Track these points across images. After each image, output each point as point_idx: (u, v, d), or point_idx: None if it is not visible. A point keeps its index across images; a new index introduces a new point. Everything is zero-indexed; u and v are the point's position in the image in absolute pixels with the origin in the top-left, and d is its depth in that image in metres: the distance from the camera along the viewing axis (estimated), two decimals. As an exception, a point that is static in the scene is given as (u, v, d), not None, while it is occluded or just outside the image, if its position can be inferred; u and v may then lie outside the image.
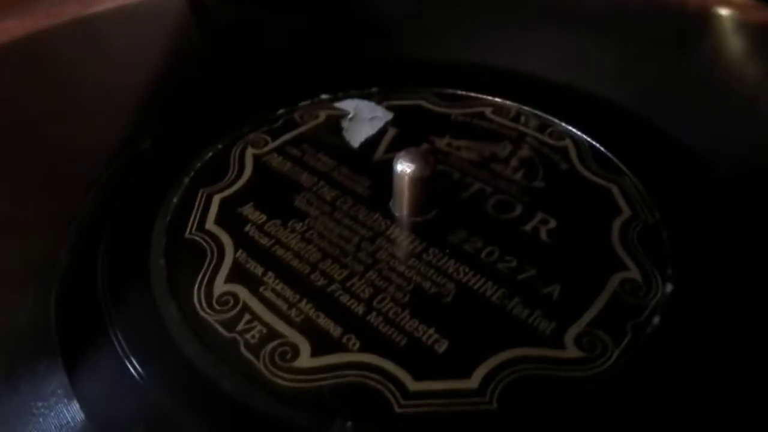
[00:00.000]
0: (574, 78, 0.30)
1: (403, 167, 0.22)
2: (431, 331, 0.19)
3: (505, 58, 0.32)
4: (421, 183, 0.22)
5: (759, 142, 0.26)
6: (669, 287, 0.20)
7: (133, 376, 0.18)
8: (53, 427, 0.18)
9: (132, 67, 0.32)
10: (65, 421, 0.18)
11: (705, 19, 0.34)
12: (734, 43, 0.34)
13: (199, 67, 0.34)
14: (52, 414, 0.18)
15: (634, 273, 0.21)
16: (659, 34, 0.31)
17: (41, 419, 0.18)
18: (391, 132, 0.27)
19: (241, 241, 0.22)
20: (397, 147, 0.26)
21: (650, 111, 0.28)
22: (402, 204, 0.23)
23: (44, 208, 0.25)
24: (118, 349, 0.19)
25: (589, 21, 0.32)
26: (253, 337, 0.19)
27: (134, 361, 0.19)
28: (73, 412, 0.18)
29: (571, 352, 0.19)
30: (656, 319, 0.19)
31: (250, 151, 0.26)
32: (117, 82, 0.31)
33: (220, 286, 0.21)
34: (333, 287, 0.21)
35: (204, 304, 0.20)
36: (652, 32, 0.31)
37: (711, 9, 0.34)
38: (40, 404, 0.18)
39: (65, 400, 0.18)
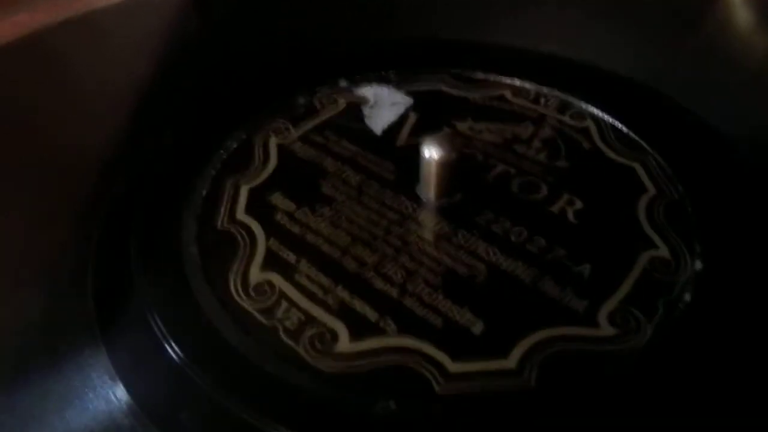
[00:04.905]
0: (593, 57, 0.30)
1: (431, 152, 0.22)
2: (466, 311, 0.19)
3: (522, 38, 0.32)
4: (448, 167, 0.22)
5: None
6: (698, 264, 0.21)
7: (174, 360, 0.19)
8: (103, 410, 0.18)
9: (139, 60, 0.32)
10: (114, 405, 0.18)
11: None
12: (753, 17, 0.34)
13: (211, 57, 0.33)
14: (101, 398, 0.18)
15: (663, 251, 0.21)
16: (678, 10, 0.31)
17: (90, 405, 0.18)
18: (413, 117, 0.28)
19: (273, 229, 0.22)
20: (419, 131, 0.26)
21: (670, 88, 0.28)
22: (429, 188, 0.23)
23: (55, 200, 0.25)
24: (158, 334, 0.20)
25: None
26: (292, 323, 0.19)
27: (175, 347, 0.19)
28: (120, 395, 0.18)
29: (605, 329, 0.19)
30: (687, 296, 0.20)
31: (273, 140, 0.27)
32: (127, 74, 0.31)
33: (255, 275, 0.21)
34: (366, 271, 0.21)
35: (241, 293, 0.20)
36: (671, 8, 0.31)
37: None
38: (87, 390, 0.19)
39: (111, 384, 0.19)
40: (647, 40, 0.31)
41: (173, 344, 0.19)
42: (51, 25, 0.34)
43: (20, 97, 0.30)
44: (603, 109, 0.27)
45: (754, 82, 0.29)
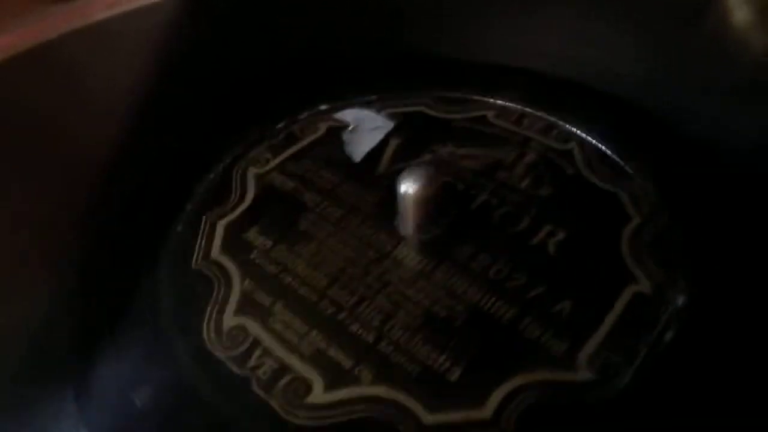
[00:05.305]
0: (579, 73, 0.29)
1: (407, 188, 0.22)
2: (443, 358, 0.19)
3: (506, 55, 0.31)
4: (425, 202, 0.22)
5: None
6: (681, 300, 0.20)
7: (141, 411, 0.19)
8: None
9: (115, 89, 0.32)
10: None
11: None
12: (746, 27, 0.33)
13: (190, 82, 0.33)
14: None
15: (645, 286, 0.21)
16: (663, 25, 0.31)
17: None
18: (394, 142, 0.27)
19: (248, 269, 0.22)
20: (400, 157, 0.26)
21: (657, 105, 0.28)
22: (408, 223, 0.22)
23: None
24: (127, 384, 0.19)
25: (592, 16, 0.31)
26: (264, 373, 0.19)
27: (144, 399, 0.19)
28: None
29: (584, 374, 0.18)
30: (669, 335, 0.19)
31: (252, 171, 0.26)
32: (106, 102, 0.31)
33: (229, 319, 0.21)
34: (342, 315, 0.21)
35: (214, 339, 0.20)
36: (656, 24, 0.31)
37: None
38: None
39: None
40: (635, 54, 0.30)
41: (143, 398, 0.19)
42: (52, 39, 0.34)
43: (22, 107, 0.30)
44: (587, 131, 0.27)
45: (748, 95, 0.29)
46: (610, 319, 0.20)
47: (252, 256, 0.23)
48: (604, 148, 0.26)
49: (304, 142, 0.27)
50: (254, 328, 0.20)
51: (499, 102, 0.28)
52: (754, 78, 0.29)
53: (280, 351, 0.20)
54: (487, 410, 0.18)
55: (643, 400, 0.18)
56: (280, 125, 0.28)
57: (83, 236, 0.25)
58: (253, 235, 0.23)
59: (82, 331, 0.22)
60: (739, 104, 0.28)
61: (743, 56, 0.30)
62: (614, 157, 0.25)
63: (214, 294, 0.21)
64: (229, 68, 0.32)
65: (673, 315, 0.20)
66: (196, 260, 0.23)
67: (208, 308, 0.21)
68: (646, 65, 0.29)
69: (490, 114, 0.28)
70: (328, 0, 0.34)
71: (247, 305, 0.21)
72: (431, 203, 0.22)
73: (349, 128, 0.28)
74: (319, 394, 0.18)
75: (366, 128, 0.28)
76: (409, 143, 0.27)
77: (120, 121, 0.30)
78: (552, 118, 0.27)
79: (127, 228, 0.25)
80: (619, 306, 0.20)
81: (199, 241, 0.23)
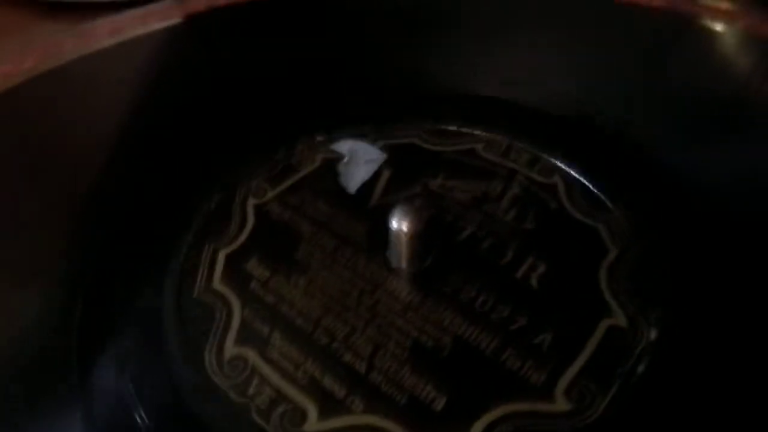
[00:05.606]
0: (563, 107, 0.31)
1: (398, 224, 0.23)
2: (429, 388, 0.20)
3: (493, 87, 0.32)
4: (415, 238, 0.23)
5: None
6: (654, 333, 0.21)
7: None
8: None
9: (110, 117, 0.33)
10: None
11: (690, 37, 0.34)
12: (726, 60, 0.34)
13: (189, 109, 0.34)
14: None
15: (621, 319, 0.22)
16: (649, 54, 0.32)
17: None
18: (386, 173, 0.28)
19: (247, 299, 0.23)
20: (392, 189, 0.27)
21: (637, 139, 0.29)
22: (398, 257, 0.24)
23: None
24: (132, 408, 0.21)
25: (576, 50, 0.33)
26: (263, 401, 0.20)
27: (149, 425, 0.20)
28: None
29: (561, 404, 0.20)
30: (641, 368, 0.21)
31: (251, 201, 0.27)
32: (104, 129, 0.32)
33: (230, 349, 0.22)
34: (336, 345, 0.22)
35: (216, 368, 0.21)
36: (643, 50, 0.32)
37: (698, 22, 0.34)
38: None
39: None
40: (620, 85, 0.32)
41: (147, 424, 0.20)
42: (36, 75, 0.35)
43: (24, 135, 0.31)
44: (570, 165, 0.28)
45: (726, 131, 0.30)
46: (586, 352, 0.21)
47: (251, 287, 0.24)
48: (585, 182, 0.27)
49: (301, 174, 0.29)
50: (253, 357, 0.22)
51: (487, 135, 0.30)
52: (732, 113, 0.30)
53: (276, 380, 0.21)
54: (469, 439, 0.19)
55: (616, 429, 0.19)
56: (278, 156, 0.29)
57: (83, 265, 0.26)
58: (252, 265, 0.25)
59: (83, 357, 0.23)
60: (717, 140, 0.29)
61: (722, 91, 0.32)
62: (595, 191, 0.27)
63: (216, 323, 0.23)
64: (227, 96, 0.33)
65: (646, 347, 0.21)
66: (199, 289, 0.24)
67: (210, 337, 0.22)
68: (626, 99, 0.31)
69: (478, 146, 0.29)
70: (321, 32, 0.35)
71: (246, 335, 0.22)
72: (421, 238, 0.23)
73: (344, 160, 0.29)
74: (313, 422, 0.20)
75: (360, 160, 0.29)
76: (400, 175, 0.28)
77: (120, 149, 0.31)
78: (537, 151, 0.29)
79: (129, 256, 0.26)
80: (595, 339, 0.22)
81: (201, 270, 0.25)
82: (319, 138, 0.30)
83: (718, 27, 0.34)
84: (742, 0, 0.34)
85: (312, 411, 0.20)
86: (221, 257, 0.25)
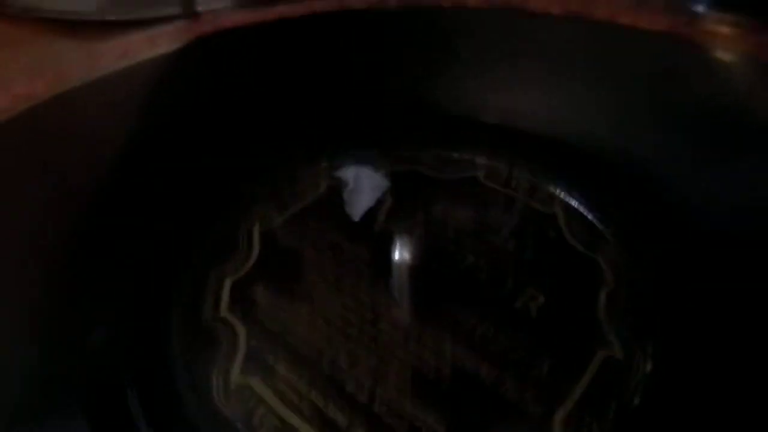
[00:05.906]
0: (564, 137, 0.31)
1: (400, 257, 0.23)
2: (429, 418, 0.21)
3: (497, 114, 0.33)
4: (417, 270, 0.24)
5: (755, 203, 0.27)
6: (649, 365, 0.22)
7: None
8: None
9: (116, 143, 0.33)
10: None
11: (691, 61, 0.35)
12: (726, 84, 0.34)
13: (198, 129, 0.34)
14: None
15: (617, 351, 0.23)
16: (655, 84, 0.32)
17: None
18: (389, 200, 0.29)
19: (253, 328, 0.24)
20: (395, 217, 0.27)
21: (636, 170, 0.30)
22: (400, 288, 0.24)
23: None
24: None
25: (577, 76, 0.33)
26: (268, 431, 0.21)
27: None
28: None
29: (558, 436, 0.20)
30: (636, 400, 0.21)
31: (257, 228, 0.28)
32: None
33: (236, 378, 0.22)
34: (339, 375, 0.22)
35: (222, 398, 0.22)
36: (649, 81, 0.32)
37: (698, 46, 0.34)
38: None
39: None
40: (623, 115, 0.32)
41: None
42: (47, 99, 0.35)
43: (33, 160, 0.32)
44: (570, 194, 0.28)
45: (724, 162, 0.30)
46: (583, 383, 0.22)
47: (257, 315, 0.24)
48: (585, 212, 0.28)
49: (306, 201, 0.29)
50: (259, 386, 0.22)
51: (489, 163, 0.30)
52: (732, 143, 0.31)
53: (281, 410, 0.21)
54: (468, 471, 0.20)
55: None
56: (283, 182, 0.30)
57: (93, 291, 0.27)
58: (258, 292, 0.25)
59: (91, 384, 0.24)
60: (719, 168, 0.30)
61: (723, 117, 0.32)
62: (594, 221, 0.27)
63: (222, 351, 0.23)
64: (233, 122, 0.34)
65: (641, 380, 0.22)
66: (205, 317, 0.24)
67: (217, 366, 0.23)
68: (626, 129, 0.31)
69: (480, 174, 0.30)
70: (327, 57, 0.36)
71: (252, 363, 0.23)
72: (422, 270, 0.24)
73: (349, 187, 0.30)
74: (317, 453, 0.20)
75: (365, 187, 0.30)
76: (403, 203, 0.29)
77: (127, 174, 0.32)
78: (538, 181, 0.29)
79: (136, 283, 0.26)
80: (592, 370, 0.22)
81: (207, 298, 0.25)
82: (324, 164, 0.31)
83: (719, 51, 0.35)
84: (742, 24, 0.35)
85: (316, 441, 0.21)
86: (227, 284, 0.26)
